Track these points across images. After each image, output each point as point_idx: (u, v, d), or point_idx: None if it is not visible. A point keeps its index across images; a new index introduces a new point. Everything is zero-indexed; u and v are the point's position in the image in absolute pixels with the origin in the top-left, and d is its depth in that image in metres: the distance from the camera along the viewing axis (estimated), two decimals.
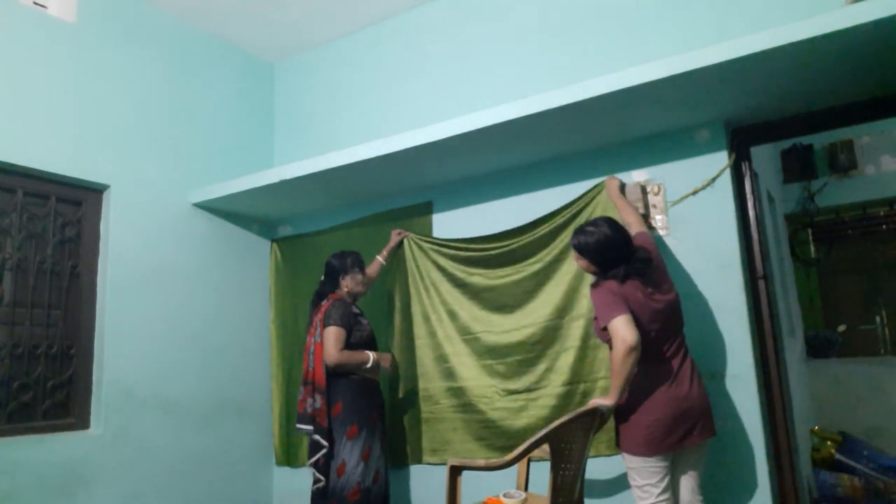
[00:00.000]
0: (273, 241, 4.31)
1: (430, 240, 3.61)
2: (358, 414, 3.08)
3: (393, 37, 4.05)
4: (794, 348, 4.65)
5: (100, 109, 3.45)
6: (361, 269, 3.31)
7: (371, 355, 3.16)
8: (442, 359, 3.47)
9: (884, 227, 5.89)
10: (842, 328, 5.79)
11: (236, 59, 4.34)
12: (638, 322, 2.26)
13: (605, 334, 2.34)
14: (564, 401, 3.07)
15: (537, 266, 3.23)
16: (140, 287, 3.48)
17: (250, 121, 4.39)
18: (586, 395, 2.99)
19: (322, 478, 3.05)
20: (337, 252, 3.36)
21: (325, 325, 3.10)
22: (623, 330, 2.21)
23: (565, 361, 3.09)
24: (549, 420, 3.06)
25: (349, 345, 3.11)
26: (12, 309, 3.08)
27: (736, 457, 2.64)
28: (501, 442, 3.24)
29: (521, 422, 3.20)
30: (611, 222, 2.48)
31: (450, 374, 3.44)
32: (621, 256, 2.40)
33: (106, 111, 3.48)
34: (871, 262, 6.04)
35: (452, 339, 3.45)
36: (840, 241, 6.08)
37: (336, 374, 3.11)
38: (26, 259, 3.16)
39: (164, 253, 3.63)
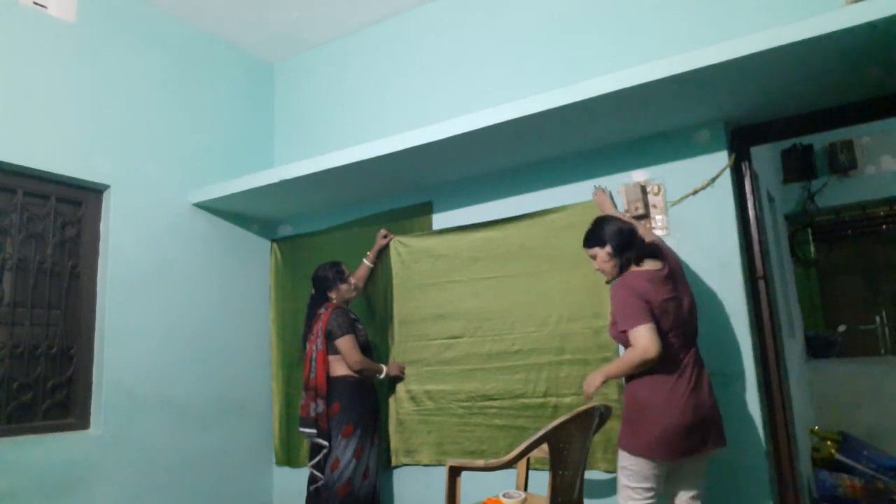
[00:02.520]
0: (273, 241, 4.31)
1: (412, 242, 3.60)
2: (354, 414, 3.18)
3: (392, 37, 4.05)
4: (794, 348, 4.65)
5: (100, 109, 3.45)
6: (344, 281, 3.39)
7: (384, 368, 3.36)
8: (422, 362, 3.48)
9: (884, 227, 5.89)
10: (842, 328, 5.79)
11: (236, 59, 4.34)
12: (659, 328, 2.20)
13: (621, 336, 2.27)
14: (537, 412, 3.08)
15: (521, 272, 3.23)
16: (140, 287, 3.48)
17: (250, 121, 4.38)
18: (557, 409, 3.00)
19: (321, 476, 3.14)
20: (321, 266, 3.42)
21: (332, 336, 3.21)
22: (646, 340, 2.14)
23: (541, 374, 3.10)
24: (521, 429, 3.09)
25: None
26: (12, 309, 3.08)
27: (736, 457, 2.64)
28: (475, 446, 3.25)
29: (494, 430, 3.20)
30: (610, 216, 2.62)
31: (428, 377, 3.44)
32: (633, 242, 2.39)
33: (106, 111, 3.47)
34: (871, 262, 6.04)
35: (434, 343, 3.45)
36: (840, 241, 6.08)
37: (335, 377, 3.22)
38: (26, 259, 3.16)
39: (164, 253, 3.63)
